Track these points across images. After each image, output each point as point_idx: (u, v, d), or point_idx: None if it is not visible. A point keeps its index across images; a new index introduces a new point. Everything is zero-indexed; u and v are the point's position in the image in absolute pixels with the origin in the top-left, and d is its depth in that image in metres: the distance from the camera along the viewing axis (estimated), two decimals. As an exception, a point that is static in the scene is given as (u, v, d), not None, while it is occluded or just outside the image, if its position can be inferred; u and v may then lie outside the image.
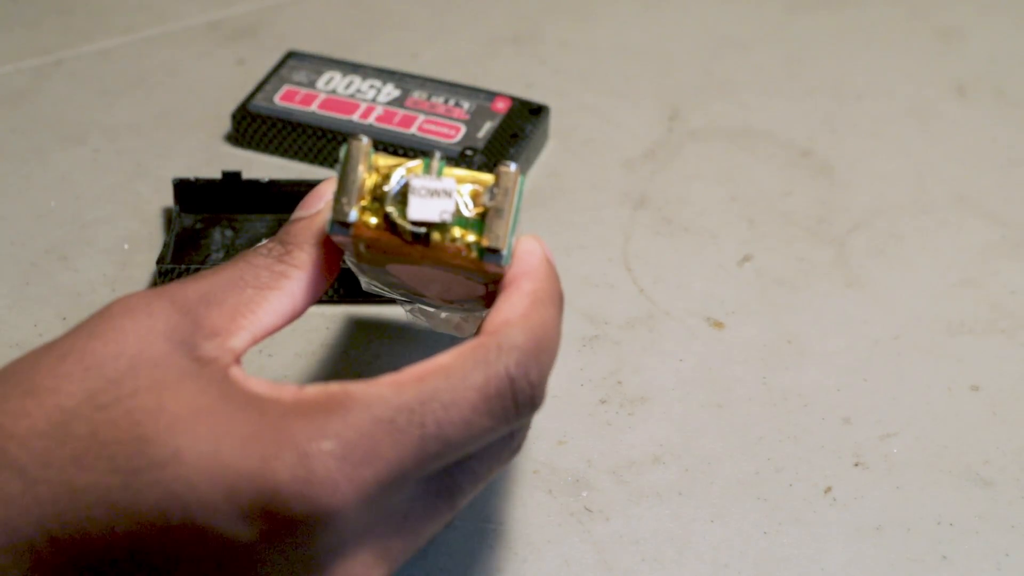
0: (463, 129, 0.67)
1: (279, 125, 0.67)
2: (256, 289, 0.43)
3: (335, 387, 0.41)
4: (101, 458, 0.39)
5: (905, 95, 0.74)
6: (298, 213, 0.46)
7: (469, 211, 0.43)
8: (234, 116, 0.68)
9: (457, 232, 0.43)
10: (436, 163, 0.43)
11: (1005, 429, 0.57)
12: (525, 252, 0.45)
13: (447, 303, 0.49)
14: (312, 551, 0.39)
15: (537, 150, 0.69)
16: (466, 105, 0.69)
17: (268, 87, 0.69)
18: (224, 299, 0.43)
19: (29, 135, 0.69)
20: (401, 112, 0.68)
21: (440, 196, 0.43)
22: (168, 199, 0.65)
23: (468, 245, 0.43)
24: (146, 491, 0.39)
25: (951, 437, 0.56)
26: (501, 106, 0.69)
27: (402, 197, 0.43)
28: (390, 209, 0.43)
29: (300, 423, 0.39)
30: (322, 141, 0.67)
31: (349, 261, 0.47)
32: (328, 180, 0.46)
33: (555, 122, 0.71)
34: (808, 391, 0.58)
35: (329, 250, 0.45)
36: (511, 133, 0.67)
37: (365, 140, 0.44)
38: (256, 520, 0.39)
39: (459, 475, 0.43)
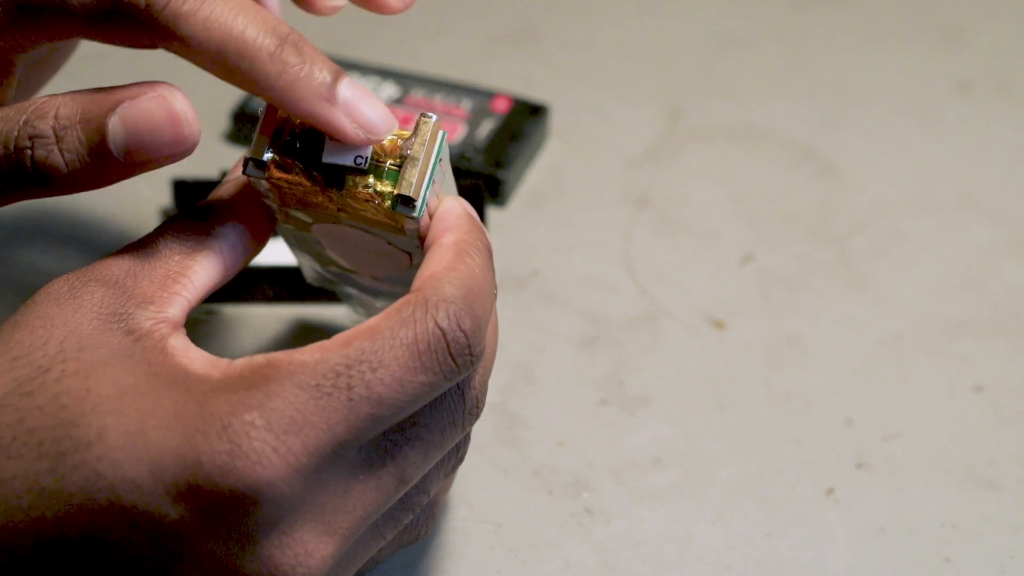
0: (463, 129, 0.67)
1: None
2: (183, 255, 0.42)
3: (259, 359, 0.40)
4: (28, 445, 0.39)
5: (908, 94, 0.74)
6: (228, 176, 0.45)
7: (386, 161, 0.42)
8: (233, 116, 0.68)
9: (371, 180, 0.42)
10: None
11: (1009, 430, 0.56)
12: (445, 211, 0.43)
13: (377, 281, 0.49)
14: (245, 527, 0.38)
15: (537, 150, 0.69)
16: (466, 104, 0.68)
17: (267, 86, 0.68)
18: (152, 270, 0.42)
19: (26, 135, 0.68)
20: (401, 111, 0.68)
21: None
22: (166, 199, 0.64)
23: (381, 194, 0.42)
24: (72, 474, 0.38)
25: (954, 438, 0.56)
26: (501, 105, 0.68)
27: (320, 142, 0.42)
28: (304, 154, 0.42)
29: (223, 397, 0.39)
30: (321, 140, 0.67)
31: (281, 232, 0.46)
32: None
33: (555, 122, 0.70)
34: (810, 392, 0.58)
35: (257, 209, 0.44)
36: (511, 133, 0.67)
37: None
38: (183, 497, 0.38)
39: (404, 443, 0.41)
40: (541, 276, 0.63)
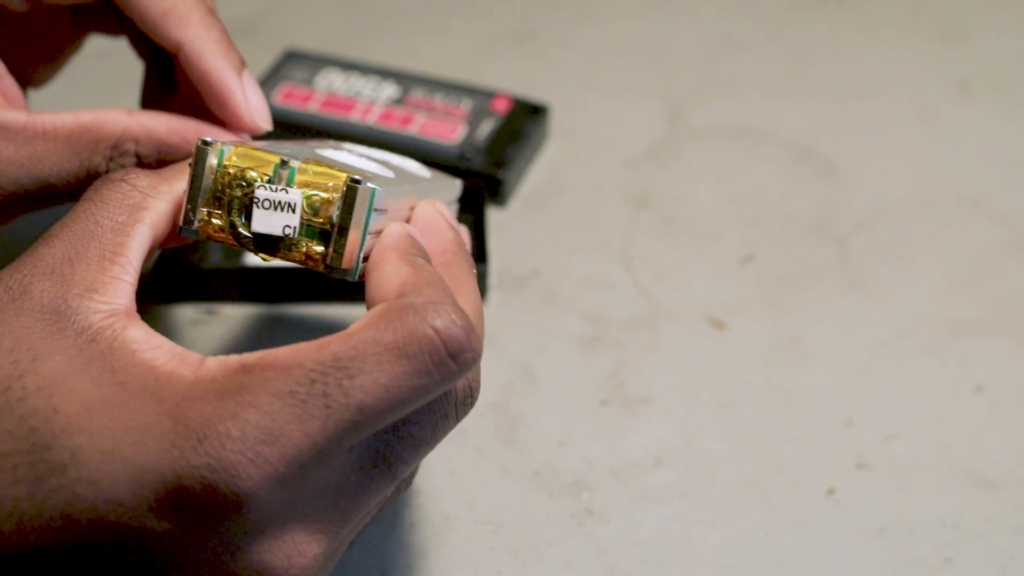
0: (463, 128, 0.67)
1: (278, 125, 0.67)
2: (115, 231, 0.41)
3: (233, 362, 0.39)
4: (3, 471, 0.38)
5: (908, 94, 0.74)
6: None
7: (318, 220, 0.41)
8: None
9: (302, 245, 0.41)
10: (286, 172, 0.41)
11: (1010, 430, 0.56)
12: (424, 213, 0.43)
13: None
14: (232, 535, 0.38)
15: (537, 150, 0.69)
16: (466, 104, 0.68)
17: (267, 86, 0.68)
18: (87, 250, 0.41)
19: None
20: (401, 111, 0.68)
21: (284, 210, 0.41)
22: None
23: (314, 257, 0.41)
24: (51, 498, 0.38)
25: (955, 438, 0.56)
26: (501, 106, 0.68)
27: (247, 205, 0.41)
28: (234, 219, 0.41)
29: (198, 407, 0.38)
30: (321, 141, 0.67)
31: None
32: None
33: (555, 122, 0.70)
34: (810, 392, 0.58)
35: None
36: (511, 133, 0.67)
37: (210, 143, 0.42)
38: (167, 512, 0.38)
39: (397, 442, 0.40)
40: (541, 276, 0.63)
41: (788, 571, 0.51)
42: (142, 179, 0.43)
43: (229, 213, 0.41)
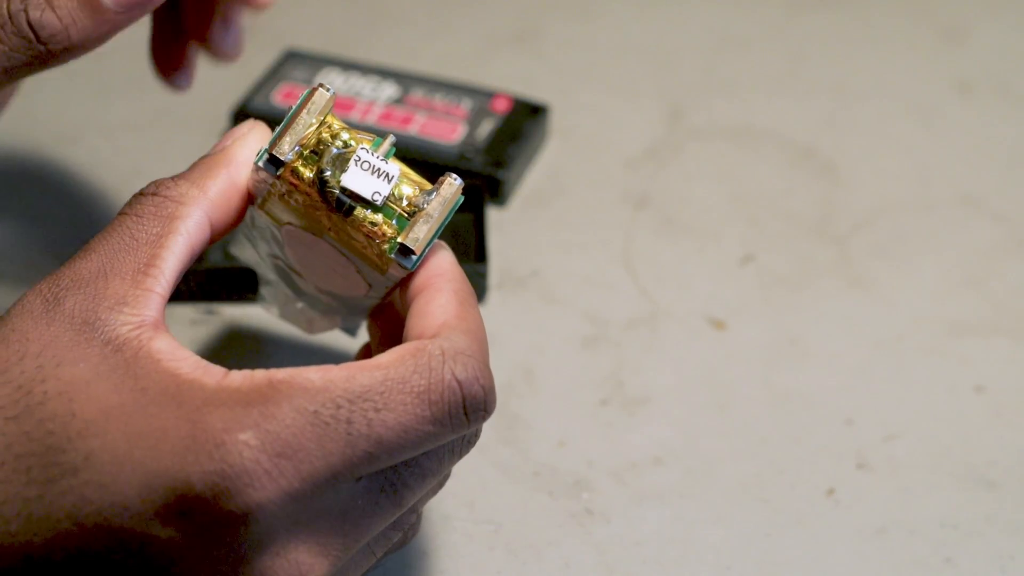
0: (463, 128, 0.67)
1: (278, 124, 0.67)
2: (150, 243, 0.41)
3: (260, 376, 0.39)
4: (18, 471, 0.38)
5: (908, 93, 0.74)
6: (217, 145, 0.44)
7: (400, 206, 0.42)
8: (234, 115, 0.68)
9: (380, 218, 0.42)
10: (387, 145, 0.43)
11: (1010, 430, 0.56)
12: (438, 256, 0.43)
13: (318, 291, 0.48)
14: (237, 546, 0.38)
15: (537, 150, 0.69)
16: (466, 104, 0.68)
17: (266, 86, 0.68)
18: (121, 264, 0.41)
19: (25, 134, 0.68)
20: (401, 111, 0.68)
21: (380, 176, 0.42)
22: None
23: (385, 236, 0.42)
24: (60, 499, 0.38)
25: (955, 438, 0.56)
26: (501, 105, 0.68)
27: (342, 162, 0.42)
28: (326, 168, 0.42)
29: (218, 413, 0.38)
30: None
31: (247, 213, 0.45)
32: (247, 122, 0.45)
33: (555, 121, 0.70)
34: (810, 392, 0.58)
35: (234, 190, 0.43)
36: (511, 133, 0.67)
37: (330, 92, 0.43)
38: (174, 518, 0.38)
39: (404, 471, 0.41)
40: (541, 276, 0.63)
41: (788, 571, 0.51)
42: (173, 189, 0.43)
43: (321, 162, 0.42)
